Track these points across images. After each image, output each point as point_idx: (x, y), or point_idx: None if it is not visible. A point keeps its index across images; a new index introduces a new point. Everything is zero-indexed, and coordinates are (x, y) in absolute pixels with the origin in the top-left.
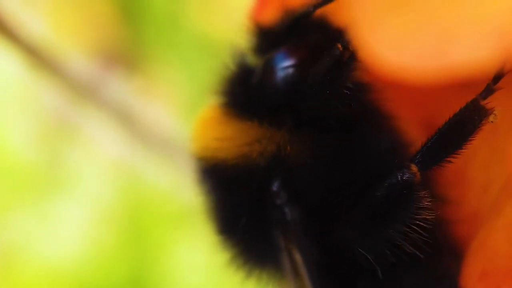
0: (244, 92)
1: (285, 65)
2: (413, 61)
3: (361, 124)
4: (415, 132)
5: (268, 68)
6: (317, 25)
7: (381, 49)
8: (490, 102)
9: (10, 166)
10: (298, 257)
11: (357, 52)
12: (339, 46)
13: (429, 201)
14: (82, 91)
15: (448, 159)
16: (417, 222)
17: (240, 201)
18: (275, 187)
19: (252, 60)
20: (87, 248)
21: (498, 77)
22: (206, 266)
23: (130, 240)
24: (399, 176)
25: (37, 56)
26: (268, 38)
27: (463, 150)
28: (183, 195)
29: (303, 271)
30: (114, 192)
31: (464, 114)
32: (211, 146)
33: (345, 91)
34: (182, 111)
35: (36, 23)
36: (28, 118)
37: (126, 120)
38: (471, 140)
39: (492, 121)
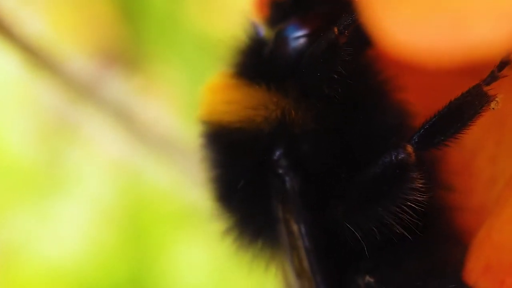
0: (255, 62)
1: (297, 35)
2: (426, 43)
3: (363, 102)
4: (417, 115)
5: (280, 38)
6: None
7: (394, 30)
8: (492, 89)
9: (10, 165)
10: (295, 228)
11: (355, 37)
12: (336, 30)
13: (422, 183)
14: (81, 90)
15: (446, 142)
16: (408, 203)
17: (241, 167)
18: (277, 154)
19: (265, 32)
20: (87, 247)
21: (503, 64)
22: (206, 266)
23: (130, 239)
24: (393, 155)
25: (35, 55)
26: (279, 9)
27: (461, 135)
28: (183, 195)
29: (300, 242)
30: (114, 192)
31: (465, 99)
32: (218, 110)
33: (334, 76)
34: (182, 110)
35: (35, 22)
36: (28, 118)
37: (126, 120)
38: (470, 125)
39: (493, 108)
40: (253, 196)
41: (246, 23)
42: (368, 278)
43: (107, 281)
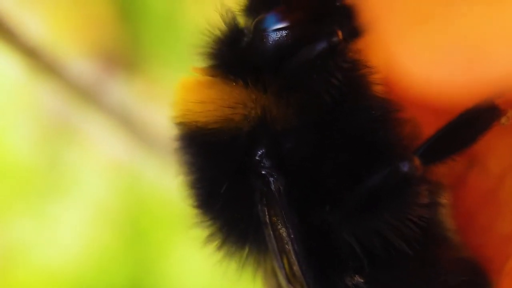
0: (232, 53)
1: (276, 27)
2: (441, 77)
3: (354, 103)
4: (424, 127)
5: (259, 28)
6: None
7: (408, 63)
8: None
9: (10, 168)
10: (283, 231)
11: (356, 42)
12: (340, 33)
13: (427, 199)
14: (82, 93)
15: (453, 156)
16: (411, 218)
17: (220, 170)
18: (259, 154)
19: (243, 21)
20: (87, 251)
21: None
22: (206, 269)
23: (130, 243)
24: (399, 167)
25: (36, 58)
26: None
27: (469, 150)
28: (183, 198)
29: (289, 246)
30: (114, 195)
31: (475, 112)
32: (193, 110)
33: (332, 80)
34: None
35: (34, 24)
36: (28, 121)
37: (127, 123)
38: (479, 140)
39: (504, 123)
40: (236, 200)
41: (223, 11)
42: (358, 278)
43: (107, 284)
